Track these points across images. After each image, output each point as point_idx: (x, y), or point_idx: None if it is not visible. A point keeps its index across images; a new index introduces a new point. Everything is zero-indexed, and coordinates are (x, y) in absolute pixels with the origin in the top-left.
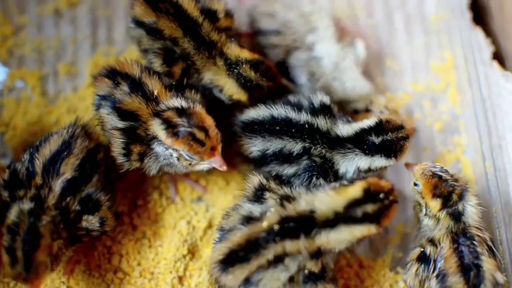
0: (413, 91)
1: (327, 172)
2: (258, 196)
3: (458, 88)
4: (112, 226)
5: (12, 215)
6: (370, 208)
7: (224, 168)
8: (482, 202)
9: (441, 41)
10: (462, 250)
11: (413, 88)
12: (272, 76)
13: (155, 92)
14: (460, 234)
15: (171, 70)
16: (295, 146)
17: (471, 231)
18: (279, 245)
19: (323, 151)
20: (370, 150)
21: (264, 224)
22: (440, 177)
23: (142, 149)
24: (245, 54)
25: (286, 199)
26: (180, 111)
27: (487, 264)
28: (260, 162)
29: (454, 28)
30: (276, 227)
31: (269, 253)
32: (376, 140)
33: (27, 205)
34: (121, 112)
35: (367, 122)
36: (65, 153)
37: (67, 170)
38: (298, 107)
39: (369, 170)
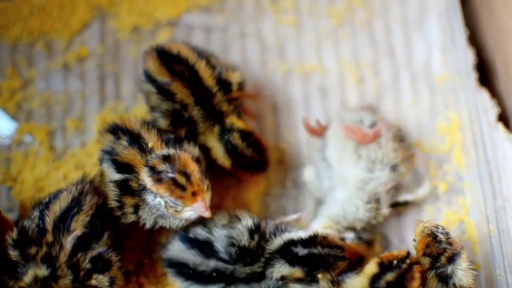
0: (418, 152)
1: None
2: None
3: (463, 149)
4: (121, 286)
5: (27, 278)
6: (390, 276)
7: (207, 214)
8: (473, 267)
9: (446, 102)
10: None
11: (419, 149)
12: (259, 149)
13: (150, 145)
14: None
15: (176, 131)
16: None
17: None
18: None
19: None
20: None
21: None
22: (435, 237)
23: (134, 202)
24: (240, 124)
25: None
26: (165, 158)
27: None
28: None
29: (460, 89)
30: None
31: None
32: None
33: (42, 271)
34: (118, 165)
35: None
36: (75, 210)
37: (78, 226)
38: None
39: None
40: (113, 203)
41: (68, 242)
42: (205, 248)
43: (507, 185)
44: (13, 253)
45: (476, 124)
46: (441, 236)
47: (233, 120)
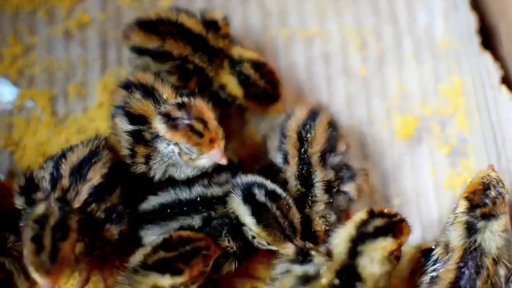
0: (422, 115)
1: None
2: (304, 256)
3: (467, 112)
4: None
5: (40, 209)
6: (379, 222)
7: (224, 161)
8: (508, 237)
9: (449, 66)
10: (464, 272)
11: (422, 112)
12: (272, 80)
13: (164, 96)
14: (472, 256)
15: (187, 85)
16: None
17: (484, 261)
18: None
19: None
20: None
21: (324, 281)
22: (486, 189)
23: (147, 152)
24: (249, 53)
25: (329, 254)
26: (180, 105)
27: None
28: None
29: (463, 53)
30: (336, 281)
31: None
32: None
33: (56, 203)
34: (131, 116)
35: None
36: (93, 160)
37: (95, 176)
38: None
39: None
40: (125, 151)
41: (84, 190)
42: None
43: (511, 147)
44: (19, 201)
45: (479, 87)
46: (493, 193)
47: (240, 51)
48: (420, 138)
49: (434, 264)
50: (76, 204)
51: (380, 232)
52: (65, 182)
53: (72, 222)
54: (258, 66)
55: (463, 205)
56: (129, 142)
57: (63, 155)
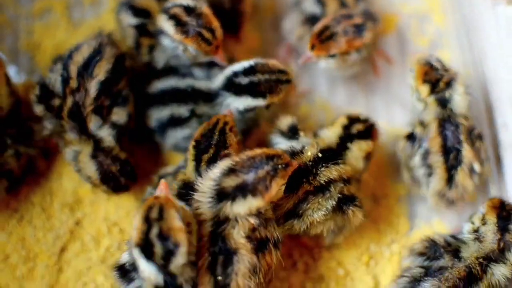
0: (401, 14)
1: None
2: (292, 133)
3: (442, 8)
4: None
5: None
6: (360, 126)
7: (224, 63)
8: (470, 92)
9: None
10: (446, 134)
11: (401, 11)
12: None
13: None
14: (447, 120)
15: None
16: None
17: (457, 119)
18: (326, 171)
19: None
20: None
21: (309, 153)
22: (431, 65)
23: (150, 43)
24: None
25: (315, 135)
26: (188, 10)
27: (467, 151)
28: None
29: None
30: (320, 154)
31: (316, 181)
32: (243, 81)
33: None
34: (135, 10)
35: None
36: (97, 58)
37: (100, 72)
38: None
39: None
40: (131, 44)
41: (92, 86)
42: None
43: (481, 40)
44: (38, 109)
45: None
46: (437, 64)
47: None
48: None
49: (420, 142)
50: (89, 106)
51: (361, 135)
52: (73, 83)
53: None
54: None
55: (425, 89)
56: (134, 35)
57: (70, 56)
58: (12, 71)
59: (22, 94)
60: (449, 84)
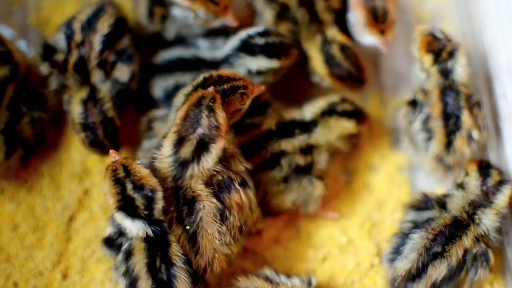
0: None
1: None
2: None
3: None
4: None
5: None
6: (347, 106)
7: (235, 23)
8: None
9: None
10: (447, 100)
11: None
12: (356, 63)
13: None
14: (448, 87)
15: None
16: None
17: (458, 87)
18: (276, 143)
19: None
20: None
21: (264, 126)
22: (434, 36)
23: (163, 12)
24: (341, 37)
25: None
26: None
27: (467, 118)
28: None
29: None
30: (273, 127)
31: (267, 153)
32: (260, 41)
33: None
34: None
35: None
36: (100, 14)
37: (104, 27)
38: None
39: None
40: (144, 12)
41: (97, 40)
42: None
43: (480, 11)
44: (43, 67)
45: None
46: (439, 35)
47: (334, 33)
48: None
49: (421, 107)
50: (93, 61)
51: (346, 114)
52: (77, 37)
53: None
54: (345, 48)
55: (427, 60)
56: (148, 4)
57: (73, 17)
58: (22, 46)
59: (32, 68)
60: (451, 55)
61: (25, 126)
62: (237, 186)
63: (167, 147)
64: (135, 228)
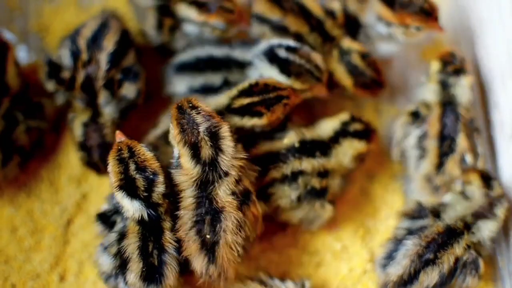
0: None
1: None
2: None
3: None
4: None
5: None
6: (358, 126)
7: (249, 27)
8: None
9: None
10: (445, 121)
11: None
12: (377, 69)
13: None
14: (449, 108)
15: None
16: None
17: (458, 110)
18: (297, 161)
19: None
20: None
21: (286, 141)
22: (453, 54)
23: (172, 23)
24: (356, 45)
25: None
26: None
27: (462, 140)
28: None
29: None
30: (297, 144)
31: (287, 168)
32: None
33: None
34: None
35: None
36: (105, 31)
37: (110, 44)
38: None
39: None
40: (152, 24)
41: (103, 58)
42: None
43: (474, 19)
44: (50, 84)
45: None
46: (458, 55)
47: (349, 43)
48: None
49: (420, 122)
50: (100, 74)
51: (357, 135)
52: (84, 56)
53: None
54: (365, 56)
55: (436, 64)
56: (157, 16)
57: (77, 31)
58: (22, 51)
59: (32, 73)
60: (457, 72)
61: (21, 135)
62: (254, 197)
63: (188, 163)
64: (132, 208)
